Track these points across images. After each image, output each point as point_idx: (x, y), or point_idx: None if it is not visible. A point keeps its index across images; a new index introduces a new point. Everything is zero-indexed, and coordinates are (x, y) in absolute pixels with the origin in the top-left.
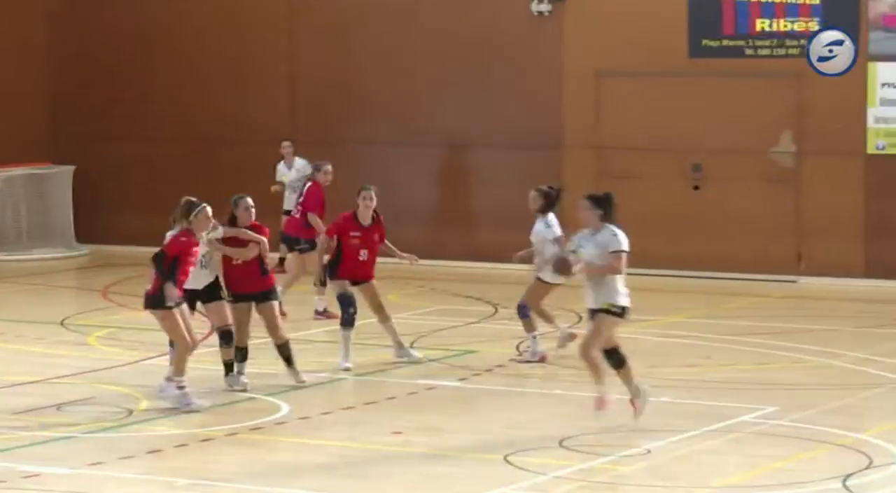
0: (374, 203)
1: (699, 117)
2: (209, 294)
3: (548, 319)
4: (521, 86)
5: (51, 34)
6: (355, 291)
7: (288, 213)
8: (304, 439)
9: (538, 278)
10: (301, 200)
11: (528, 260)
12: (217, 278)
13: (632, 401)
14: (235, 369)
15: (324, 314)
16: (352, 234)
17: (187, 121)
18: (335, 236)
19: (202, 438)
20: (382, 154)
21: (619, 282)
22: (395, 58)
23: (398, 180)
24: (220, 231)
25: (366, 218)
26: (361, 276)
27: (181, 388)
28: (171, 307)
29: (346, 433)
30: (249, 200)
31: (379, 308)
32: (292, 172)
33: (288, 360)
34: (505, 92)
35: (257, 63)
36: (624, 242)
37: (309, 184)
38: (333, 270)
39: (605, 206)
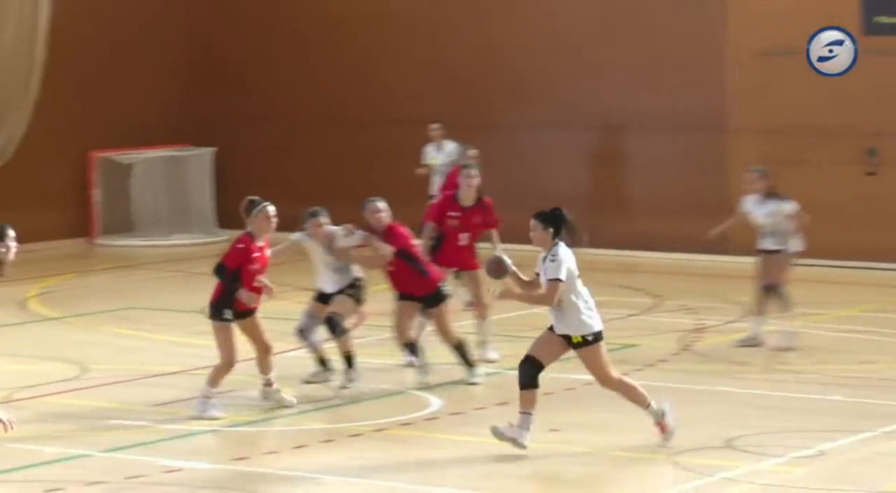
0: (477, 182)
1: (874, 99)
2: (339, 291)
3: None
4: (681, 65)
5: (190, 10)
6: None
7: (433, 198)
8: (455, 435)
9: (784, 253)
10: (444, 184)
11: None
12: (354, 280)
13: (508, 429)
14: (407, 359)
15: (473, 305)
16: (450, 214)
17: (331, 103)
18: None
19: (350, 433)
20: (536, 137)
21: (581, 305)
22: (547, 37)
23: (551, 164)
24: (357, 237)
25: (467, 199)
26: (464, 264)
27: (207, 397)
28: (228, 320)
29: None
30: (378, 204)
31: (478, 301)
32: (441, 155)
33: (465, 361)
34: (664, 71)
35: (404, 43)
36: (561, 270)
37: (453, 169)
38: (434, 256)
39: (555, 223)
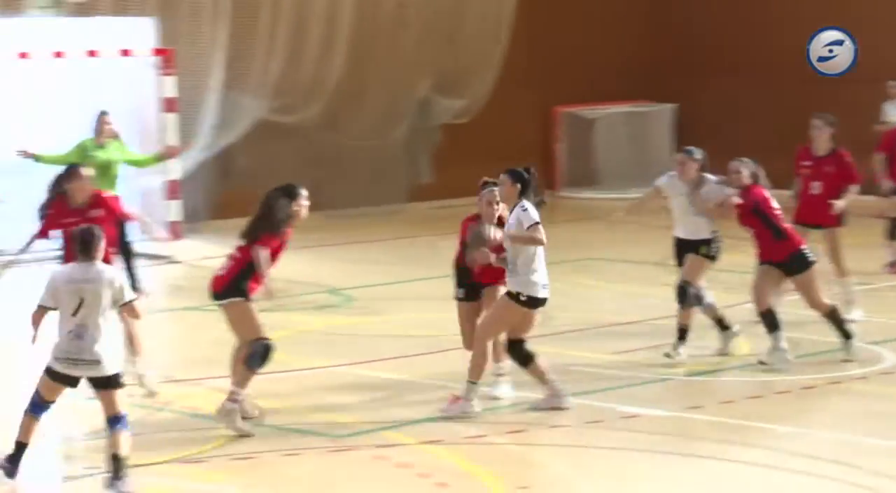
0: (825, 133)
1: None
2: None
3: None
4: None
5: None
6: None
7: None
8: None
9: None
10: (882, 141)
11: None
12: (711, 234)
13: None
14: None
15: (893, 267)
16: (802, 163)
17: (794, 57)
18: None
19: (803, 385)
20: None
21: (535, 271)
22: None
23: None
24: (720, 189)
25: (819, 148)
26: (816, 218)
27: (501, 375)
28: (458, 299)
29: None
30: (740, 166)
31: (837, 261)
32: None
33: (840, 331)
34: None
35: None
36: (535, 214)
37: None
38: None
39: (523, 181)
